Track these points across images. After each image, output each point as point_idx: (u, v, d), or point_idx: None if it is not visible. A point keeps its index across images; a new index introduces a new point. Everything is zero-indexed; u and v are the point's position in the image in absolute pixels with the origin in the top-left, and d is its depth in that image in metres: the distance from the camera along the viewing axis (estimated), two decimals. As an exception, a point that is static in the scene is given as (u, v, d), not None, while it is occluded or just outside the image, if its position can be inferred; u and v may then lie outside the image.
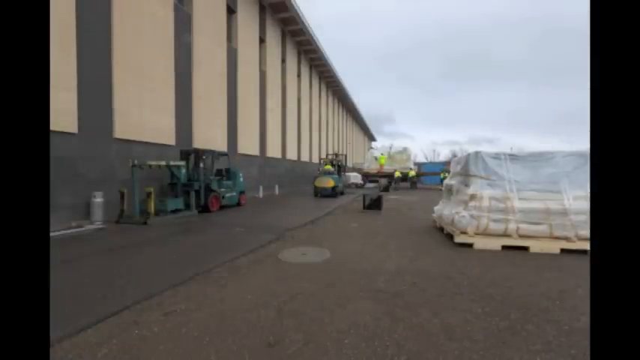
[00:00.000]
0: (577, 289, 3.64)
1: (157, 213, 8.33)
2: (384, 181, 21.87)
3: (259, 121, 17.31)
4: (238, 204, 11.56)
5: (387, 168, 24.35)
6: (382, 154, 25.83)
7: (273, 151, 19.15)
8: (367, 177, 24.47)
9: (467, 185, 6.21)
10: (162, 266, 4.44)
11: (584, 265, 4.49)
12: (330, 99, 32.98)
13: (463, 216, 5.77)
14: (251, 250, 5.32)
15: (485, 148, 6.54)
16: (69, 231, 6.74)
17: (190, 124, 11.82)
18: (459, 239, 5.69)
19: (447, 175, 14.70)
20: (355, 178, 24.21)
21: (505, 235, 5.61)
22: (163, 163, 8.77)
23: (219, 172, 11.31)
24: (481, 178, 6.01)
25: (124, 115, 8.93)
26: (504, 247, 5.46)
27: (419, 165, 31.70)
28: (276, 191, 18.01)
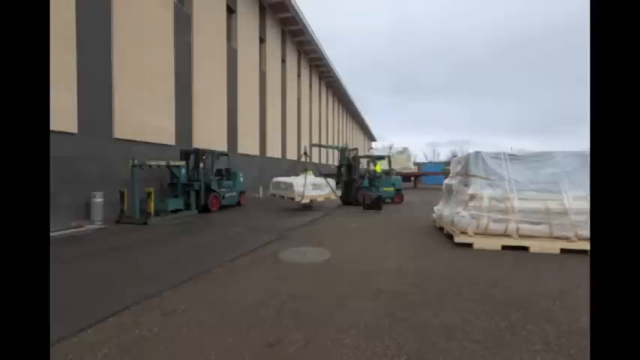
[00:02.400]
0: (577, 289, 3.64)
1: (157, 213, 8.33)
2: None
3: (259, 121, 17.31)
4: (238, 204, 11.56)
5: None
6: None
7: (273, 151, 19.14)
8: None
9: (467, 185, 6.20)
10: (162, 266, 4.44)
11: (584, 265, 4.49)
12: (330, 99, 32.98)
13: (463, 216, 5.77)
14: (251, 249, 5.32)
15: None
16: (69, 231, 6.75)
17: (190, 124, 11.83)
18: (458, 239, 5.69)
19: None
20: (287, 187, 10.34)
21: (505, 235, 5.61)
22: (163, 163, 8.78)
23: (219, 172, 11.32)
24: (481, 178, 6.01)
25: (124, 114, 8.93)
26: (504, 247, 5.46)
27: (419, 165, 31.65)
28: (276, 191, 17.99)
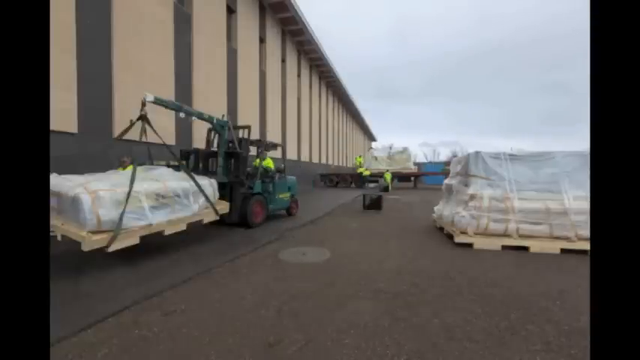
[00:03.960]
0: (577, 289, 3.64)
1: (157, 213, 8.23)
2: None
3: (259, 121, 17.30)
4: (238, 204, 11.38)
5: (379, 169, 24.20)
6: (360, 156, 25.63)
7: (273, 151, 19.12)
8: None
9: (467, 185, 6.20)
10: (161, 266, 4.44)
11: (584, 265, 4.49)
12: (330, 99, 32.96)
13: (463, 216, 5.77)
14: (251, 249, 5.32)
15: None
16: (69, 231, 6.73)
17: (190, 124, 11.81)
18: (458, 239, 5.69)
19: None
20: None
21: (505, 235, 5.61)
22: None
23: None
24: (481, 178, 6.01)
25: (124, 115, 8.89)
26: (504, 247, 5.46)
27: (419, 165, 31.63)
28: (276, 191, 17.96)
